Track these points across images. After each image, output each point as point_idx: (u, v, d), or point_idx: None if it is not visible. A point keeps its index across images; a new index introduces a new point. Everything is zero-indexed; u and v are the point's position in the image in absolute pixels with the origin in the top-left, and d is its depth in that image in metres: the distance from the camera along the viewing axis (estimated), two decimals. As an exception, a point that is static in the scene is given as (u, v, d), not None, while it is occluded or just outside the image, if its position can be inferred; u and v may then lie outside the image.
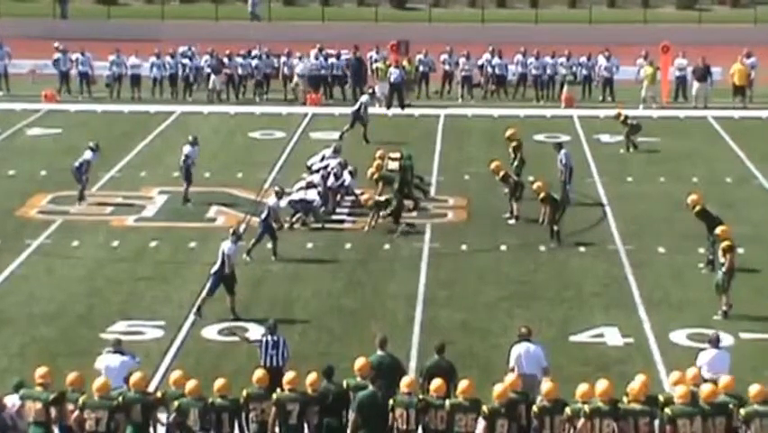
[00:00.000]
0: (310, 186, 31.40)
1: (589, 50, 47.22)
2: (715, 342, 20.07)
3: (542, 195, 29.46)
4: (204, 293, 25.11)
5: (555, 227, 29.28)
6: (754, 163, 37.10)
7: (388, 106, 44.72)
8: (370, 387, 17.97)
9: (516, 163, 32.80)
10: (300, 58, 46.31)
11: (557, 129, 41.51)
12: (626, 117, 39.01)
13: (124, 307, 25.62)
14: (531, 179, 30.73)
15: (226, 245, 25.14)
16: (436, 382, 17.85)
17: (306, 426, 17.88)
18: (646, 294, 26.25)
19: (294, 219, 30.51)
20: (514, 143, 33.72)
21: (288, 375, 18.16)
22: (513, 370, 19.45)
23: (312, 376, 18.21)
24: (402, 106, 44.82)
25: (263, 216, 28.69)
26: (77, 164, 32.39)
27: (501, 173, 31.85)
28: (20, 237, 29.96)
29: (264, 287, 26.86)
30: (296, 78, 46.18)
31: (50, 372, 18.12)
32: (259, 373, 18.37)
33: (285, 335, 20.79)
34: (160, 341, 23.82)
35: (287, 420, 17.80)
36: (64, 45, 47.57)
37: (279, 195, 29.44)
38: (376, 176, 32.13)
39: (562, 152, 32.70)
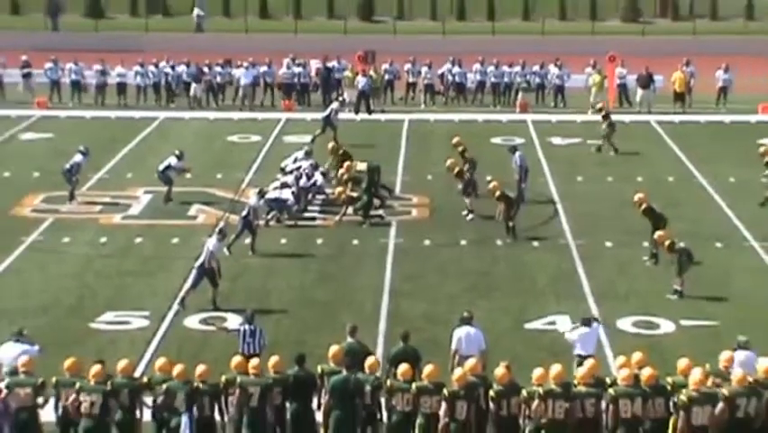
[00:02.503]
0: (284, 186, 31.36)
1: (542, 59, 47.31)
2: (587, 322, 20.52)
3: (497, 193, 29.48)
4: (187, 286, 25.05)
5: (510, 224, 29.31)
6: (693, 164, 37.25)
7: (356, 112, 44.67)
8: (344, 372, 17.98)
9: (467, 166, 32.72)
10: (247, 68, 46.11)
11: (512, 133, 41.55)
12: (608, 114, 38.93)
13: (112, 299, 25.54)
14: (488, 178, 30.73)
15: (211, 242, 25.08)
16: (403, 367, 17.90)
17: (268, 409, 17.87)
18: (595, 285, 26.34)
19: (269, 217, 30.46)
20: (460, 148, 33.63)
21: (252, 361, 18.19)
22: (455, 352, 19.64)
23: (273, 359, 18.23)
24: (369, 112, 44.79)
25: (244, 213, 28.65)
26: (67, 166, 32.27)
27: (456, 169, 31.96)
28: (14, 235, 29.80)
29: (242, 280, 26.81)
30: (241, 88, 46.12)
31: (32, 360, 18.16)
32: (236, 359, 18.36)
33: (261, 324, 20.79)
34: (145, 330, 23.77)
35: (248, 403, 17.80)
36: (55, 56, 47.36)
37: (262, 195, 29.47)
38: (346, 176, 32.08)
39: (517, 154, 32.76)
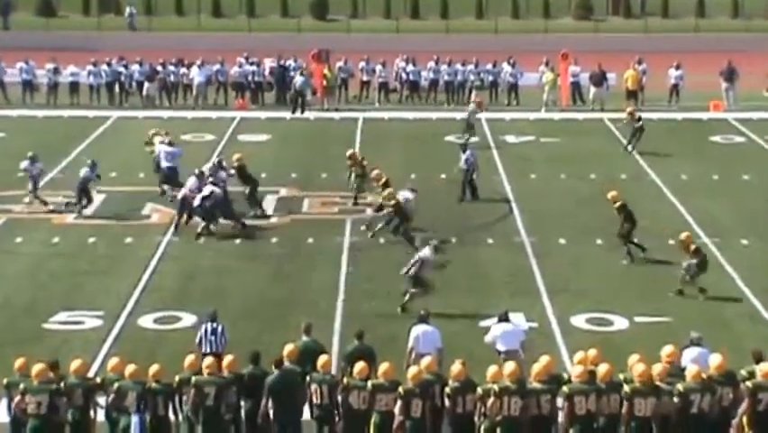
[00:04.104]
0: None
1: (496, 57, 47.44)
2: (504, 318, 20.65)
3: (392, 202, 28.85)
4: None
5: (396, 237, 28.75)
6: (646, 161, 37.43)
7: (293, 111, 44.57)
8: (276, 371, 17.94)
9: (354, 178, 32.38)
10: (200, 66, 46.01)
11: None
12: (639, 118, 38.63)
13: (65, 298, 25.36)
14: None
15: (425, 252, 24.68)
16: (359, 365, 17.87)
17: (223, 408, 17.81)
18: (549, 282, 26.41)
19: (200, 230, 29.54)
20: (349, 162, 32.85)
21: (206, 360, 18.11)
22: (411, 349, 19.67)
23: (228, 358, 18.19)
24: (302, 111, 44.61)
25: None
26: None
27: (356, 159, 32.08)
28: (-34, 235, 29.57)
29: (196, 280, 26.68)
30: (194, 87, 46.02)
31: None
32: (190, 358, 18.27)
33: (208, 325, 20.57)
34: (99, 330, 23.62)
35: (204, 402, 17.73)
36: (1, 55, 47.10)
37: (199, 175, 29.99)
38: (383, 180, 30.51)
39: (468, 152, 32.74)
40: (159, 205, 32.17)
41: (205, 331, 20.20)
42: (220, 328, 20.23)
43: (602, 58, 46.96)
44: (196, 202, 29.55)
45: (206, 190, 29.61)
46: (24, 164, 31.96)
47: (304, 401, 18.03)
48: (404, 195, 29.32)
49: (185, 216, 29.89)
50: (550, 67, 46.18)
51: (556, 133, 41.10)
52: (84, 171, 31.64)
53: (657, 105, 45.54)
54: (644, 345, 20.02)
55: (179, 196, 30.12)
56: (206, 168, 31.36)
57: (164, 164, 32.84)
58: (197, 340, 20.20)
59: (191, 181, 30.18)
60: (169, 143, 33.49)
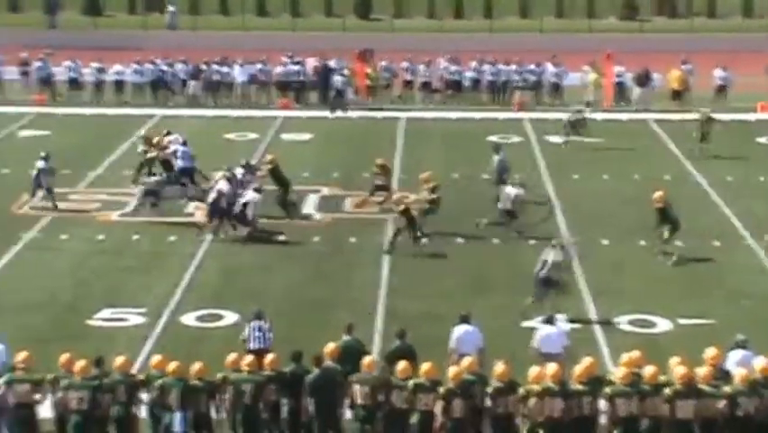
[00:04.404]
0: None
1: (539, 57, 47.30)
2: (549, 321, 20.48)
3: (401, 208, 28.51)
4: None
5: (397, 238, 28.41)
6: (690, 162, 37.21)
7: (332, 110, 44.62)
8: (316, 370, 17.96)
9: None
10: (242, 65, 46.21)
11: (509, 131, 41.54)
12: (714, 120, 38.02)
13: (109, 295, 25.50)
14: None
15: (551, 255, 24.21)
16: (402, 365, 17.87)
17: (261, 406, 17.89)
18: (591, 283, 26.29)
19: (246, 235, 29.25)
20: (378, 170, 32.64)
21: (246, 358, 18.17)
22: (452, 349, 19.63)
23: (270, 357, 18.23)
24: (345, 110, 44.61)
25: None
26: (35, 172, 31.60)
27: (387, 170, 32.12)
28: (12, 231, 29.75)
29: (238, 278, 26.76)
30: (238, 86, 46.19)
31: (31, 356, 18.16)
32: (231, 356, 18.33)
33: (254, 323, 20.60)
34: (142, 327, 23.73)
35: (242, 400, 17.78)
36: (46, 53, 47.34)
37: (230, 177, 29.65)
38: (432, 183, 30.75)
39: (502, 153, 32.57)
40: (202, 203, 32.22)
41: (252, 329, 20.28)
42: (267, 326, 20.32)
43: (647, 58, 46.71)
44: (237, 208, 29.17)
45: (248, 196, 29.35)
46: (41, 164, 31.87)
47: (344, 400, 18.04)
48: (512, 191, 29.15)
49: (217, 220, 29.39)
50: (594, 67, 45.98)
51: (599, 133, 40.92)
52: (40, 164, 31.55)
53: (703, 106, 45.17)
54: (687, 348, 19.91)
55: (210, 200, 29.46)
56: (238, 170, 31.07)
57: (181, 164, 32.84)
58: (244, 338, 20.28)
59: (222, 184, 29.57)
60: (184, 143, 33.49)
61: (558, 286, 24.11)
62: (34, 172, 31.67)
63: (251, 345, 19.98)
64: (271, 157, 32.22)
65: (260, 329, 20.26)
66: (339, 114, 44.47)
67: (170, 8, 65.44)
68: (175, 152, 33.08)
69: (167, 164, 33.16)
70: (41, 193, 31.77)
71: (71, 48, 49.84)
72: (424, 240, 28.70)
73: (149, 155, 33.70)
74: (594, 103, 45.22)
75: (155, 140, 34.00)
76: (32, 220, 30.80)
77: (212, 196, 29.34)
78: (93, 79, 46.73)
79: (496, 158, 32.24)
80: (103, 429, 17.77)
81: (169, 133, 34.47)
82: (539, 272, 24.03)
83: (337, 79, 45.07)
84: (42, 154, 32.10)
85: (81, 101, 46.34)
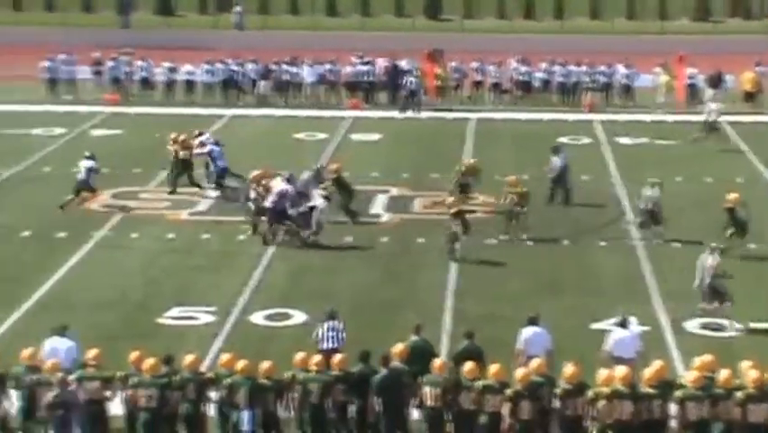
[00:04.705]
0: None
1: (610, 58, 47.02)
2: (622, 324, 20.17)
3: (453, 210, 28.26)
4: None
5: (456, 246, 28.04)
6: (763, 165, 36.82)
7: (403, 110, 44.60)
8: (383, 370, 17.96)
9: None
10: (311, 65, 46.39)
11: (579, 132, 41.34)
12: None
13: (179, 294, 25.68)
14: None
15: (708, 259, 23.96)
16: (469, 365, 17.85)
17: (328, 405, 17.92)
18: (662, 286, 26.08)
19: (307, 237, 28.91)
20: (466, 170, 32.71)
21: (315, 358, 18.21)
22: (520, 351, 19.58)
23: (337, 357, 18.26)
24: (418, 111, 44.58)
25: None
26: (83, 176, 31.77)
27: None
28: (84, 230, 30.04)
29: (306, 278, 26.83)
30: (307, 86, 46.39)
31: (101, 354, 18.34)
32: (299, 355, 18.39)
33: (328, 323, 20.65)
34: (211, 326, 23.87)
35: (309, 400, 17.83)
36: (127, 53, 47.84)
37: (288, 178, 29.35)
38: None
39: (561, 155, 32.38)
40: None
41: (325, 329, 20.36)
42: (340, 326, 20.39)
43: (720, 60, 46.29)
44: (301, 209, 28.95)
45: (317, 201, 29.09)
46: (90, 163, 31.99)
47: (411, 401, 18.03)
48: (649, 193, 29.02)
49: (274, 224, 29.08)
50: (665, 69, 45.63)
51: (671, 135, 40.60)
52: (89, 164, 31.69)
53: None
54: (759, 352, 19.69)
55: (269, 204, 28.84)
56: (306, 175, 30.99)
57: (220, 164, 32.94)
58: (317, 337, 20.33)
59: (282, 186, 29.13)
60: (216, 142, 33.56)
61: (725, 292, 23.68)
62: (82, 172, 31.72)
63: (324, 345, 20.02)
64: (336, 166, 32.08)
65: (333, 329, 20.31)
66: (409, 114, 44.46)
67: (237, 8, 65.85)
68: (210, 153, 33.14)
69: (186, 163, 33.21)
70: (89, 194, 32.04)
71: (143, 47, 50.29)
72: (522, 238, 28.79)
73: (175, 154, 33.61)
74: (665, 105, 44.93)
75: (180, 138, 33.87)
76: (103, 219, 31.09)
77: (272, 199, 28.89)
78: (164, 79, 47.16)
79: (555, 159, 32.13)
80: (172, 427, 17.92)
81: (201, 134, 34.44)
82: (705, 280, 23.67)
83: (411, 80, 45.07)
84: (87, 154, 32.35)
85: (152, 101, 46.75)
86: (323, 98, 46.73)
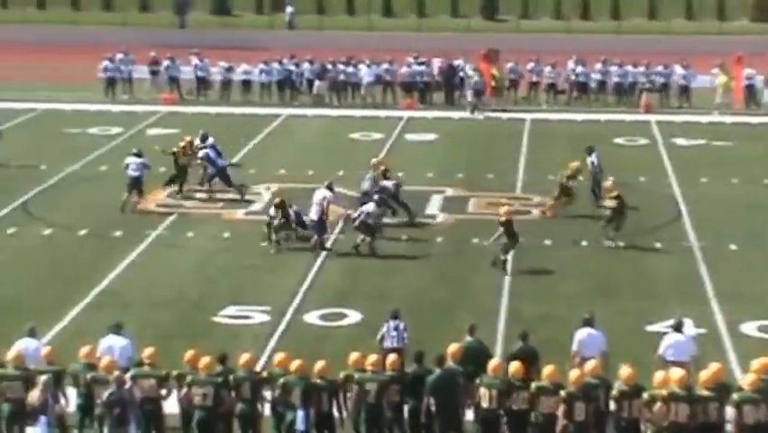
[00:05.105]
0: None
1: (667, 59, 46.72)
2: (677, 328, 19.96)
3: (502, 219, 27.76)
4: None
5: (503, 257, 27.49)
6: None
7: (472, 111, 44.53)
8: (438, 370, 17.95)
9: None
10: (369, 66, 46.46)
11: (635, 133, 41.12)
12: None
13: (234, 293, 25.79)
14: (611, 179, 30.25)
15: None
16: (515, 365, 17.81)
17: (385, 405, 17.94)
18: (718, 288, 25.89)
19: (359, 243, 28.48)
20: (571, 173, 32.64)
21: (370, 358, 18.23)
22: (575, 353, 19.49)
23: (392, 357, 18.29)
24: (472, 111, 44.52)
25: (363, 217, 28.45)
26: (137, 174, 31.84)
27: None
28: (140, 229, 30.24)
29: (361, 278, 26.86)
30: (363, 87, 46.48)
31: (157, 352, 18.43)
32: (354, 355, 18.42)
33: (392, 322, 20.63)
34: (266, 325, 23.96)
35: (366, 400, 17.86)
36: (194, 53, 48.12)
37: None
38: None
39: (594, 154, 32.20)
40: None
41: (388, 328, 20.42)
42: (402, 326, 20.43)
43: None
44: (355, 216, 28.62)
45: (369, 207, 28.69)
46: (142, 160, 32.11)
47: (465, 401, 18.01)
48: None
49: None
50: (723, 69, 45.27)
51: (728, 136, 40.29)
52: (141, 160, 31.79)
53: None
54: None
55: (315, 215, 28.59)
56: (368, 177, 30.96)
57: (220, 163, 33.08)
58: (379, 337, 20.37)
59: (323, 195, 28.89)
60: (212, 145, 33.64)
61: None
62: (134, 170, 31.70)
63: (387, 344, 20.10)
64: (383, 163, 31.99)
65: (396, 328, 20.39)
66: (477, 115, 44.31)
67: (289, 9, 66.06)
68: (206, 157, 33.05)
69: (182, 169, 33.16)
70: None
71: (200, 47, 50.57)
72: (610, 243, 28.38)
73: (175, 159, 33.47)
74: (723, 106, 44.56)
75: (182, 144, 33.70)
76: (159, 218, 31.29)
77: (316, 210, 28.63)
78: (220, 78, 47.40)
79: (590, 160, 31.96)
80: (227, 426, 18.01)
81: (205, 138, 34.32)
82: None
83: (475, 81, 44.96)
84: (135, 151, 32.50)
85: (208, 100, 46.99)
86: (378, 98, 46.76)
